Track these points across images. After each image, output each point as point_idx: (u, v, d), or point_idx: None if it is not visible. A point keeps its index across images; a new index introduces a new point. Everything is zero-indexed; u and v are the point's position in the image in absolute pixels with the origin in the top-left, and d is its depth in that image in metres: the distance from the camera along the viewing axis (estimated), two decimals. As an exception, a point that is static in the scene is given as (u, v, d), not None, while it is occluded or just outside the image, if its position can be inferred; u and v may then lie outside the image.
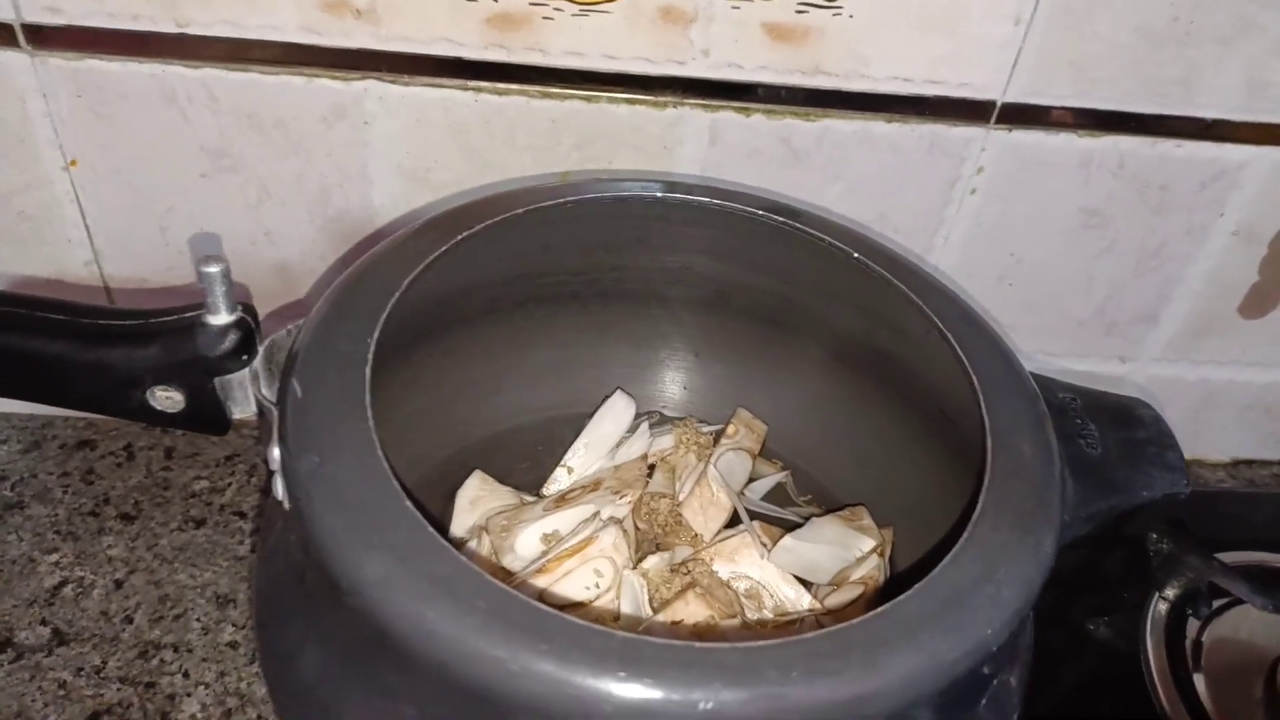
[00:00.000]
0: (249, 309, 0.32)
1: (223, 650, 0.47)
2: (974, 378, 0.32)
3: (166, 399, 0.32)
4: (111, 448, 0.56)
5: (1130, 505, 0.33)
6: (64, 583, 0.49)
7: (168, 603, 0.49)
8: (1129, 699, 0.45)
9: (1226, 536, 0.53)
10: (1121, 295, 0.58)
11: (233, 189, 0.51)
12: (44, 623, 0.47)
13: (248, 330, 0.32)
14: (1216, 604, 0.48)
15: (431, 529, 0.26)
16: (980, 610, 0.26)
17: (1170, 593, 0.48)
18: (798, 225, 0.41)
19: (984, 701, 0.30)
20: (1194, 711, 0.43)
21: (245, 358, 0.32)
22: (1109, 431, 0.35)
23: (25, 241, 0.52)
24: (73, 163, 0.49)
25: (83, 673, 0.45)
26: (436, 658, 0.26)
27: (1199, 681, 0.45)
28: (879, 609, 0.26)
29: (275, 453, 0.29)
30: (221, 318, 0.31)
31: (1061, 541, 0.29)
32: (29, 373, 0.32)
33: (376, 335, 0.31)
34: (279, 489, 0.29)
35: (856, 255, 0.38)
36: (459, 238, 0.35)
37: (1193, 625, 0.47)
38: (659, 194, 0.41)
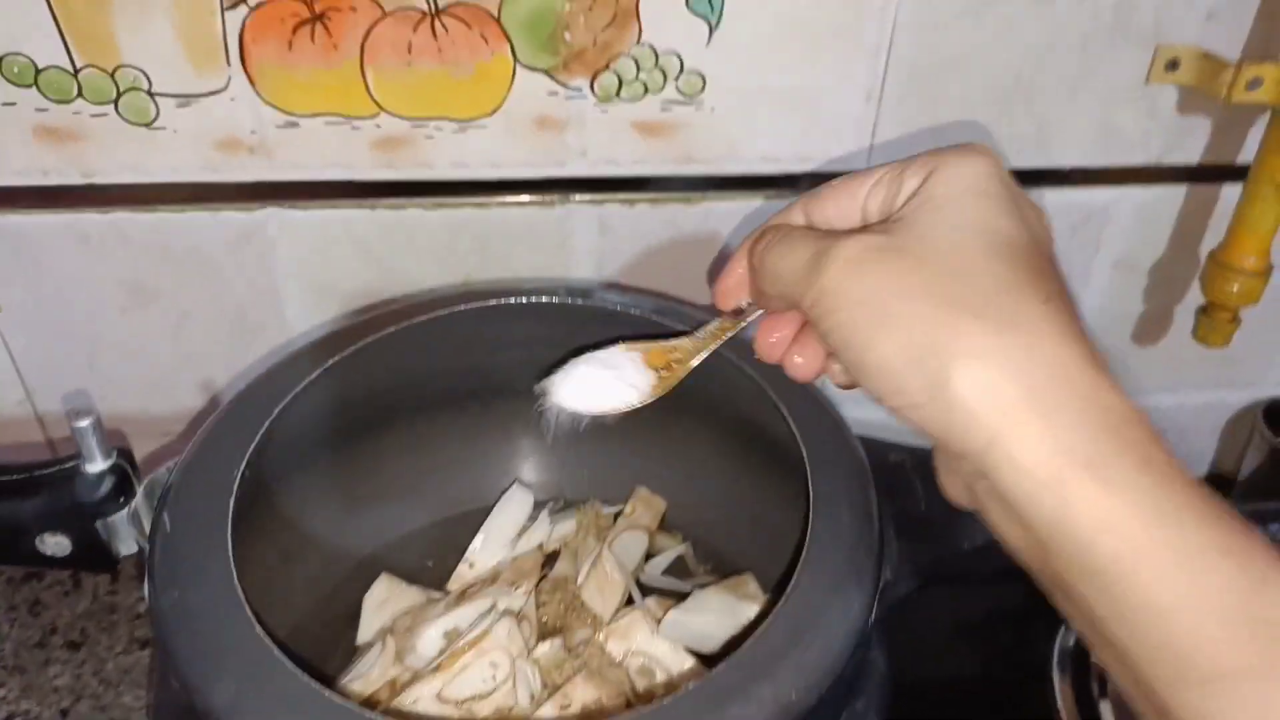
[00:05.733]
0: (124, 453, 0.35)
1: (166, 768, 0.48)
2: (804, 448, 0.34)
3: (55, 544, 0.34)
4: (59, 576, 0.57)
5: (952, 554, 0.34)
6: (11, 717, 0.50)
7: (113, 727, 0.50)
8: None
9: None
10: (1017, 336, 0.59)
11: (153, 318, 0.53)
12: (-9, 759, 0.48)
13: (123, 474, 0.34)
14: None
15: (279, 652, 0.28)
16: (785, 676, 0.28)
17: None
18: (663, 319, 0.43)
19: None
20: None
21: (123, 499, 0.34)
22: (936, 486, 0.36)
23: (-41, 386, 0.54)
24: (-4, 310, 0.52)
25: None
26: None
27: (1105, 709, 0.46)
28: (684, 688, 0.27)
29: (146, 588, 0.31)
30: (97, 465, 0.34)
31: (893, 596, 0.31)
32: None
33: (242, 469, 0.33)
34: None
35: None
36: (326, 365, 0.38)
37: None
38: (526, 300, 0.43)
